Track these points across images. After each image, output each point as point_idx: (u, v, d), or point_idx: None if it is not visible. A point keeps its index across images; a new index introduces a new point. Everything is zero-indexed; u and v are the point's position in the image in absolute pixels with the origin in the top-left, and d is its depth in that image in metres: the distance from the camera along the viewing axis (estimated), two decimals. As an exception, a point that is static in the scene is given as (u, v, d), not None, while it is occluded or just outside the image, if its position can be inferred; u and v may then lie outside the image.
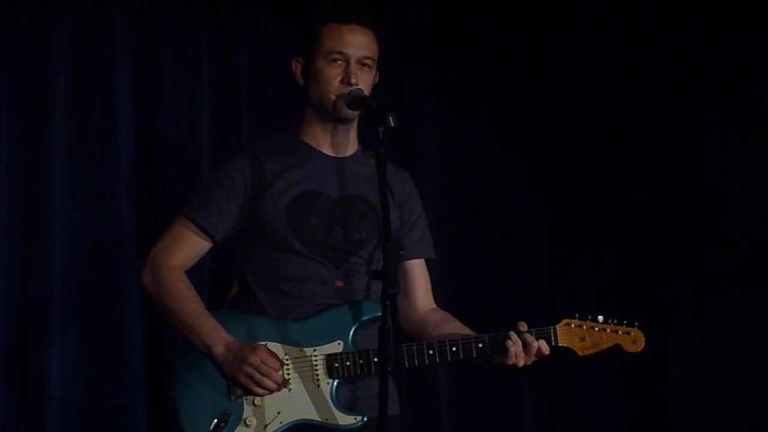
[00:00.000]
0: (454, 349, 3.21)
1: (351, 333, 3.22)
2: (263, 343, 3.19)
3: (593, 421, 4.77)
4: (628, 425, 4.75)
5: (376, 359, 3.14)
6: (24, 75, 3.98)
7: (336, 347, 3.20)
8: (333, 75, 3.26)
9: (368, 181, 3.28)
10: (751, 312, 4.53)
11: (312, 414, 3.17)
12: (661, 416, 4.70)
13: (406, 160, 4.34)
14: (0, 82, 3.92)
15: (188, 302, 3.23)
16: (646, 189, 4.73)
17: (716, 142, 4.62)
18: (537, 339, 3.20)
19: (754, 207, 4.54)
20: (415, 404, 4.49)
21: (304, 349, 3.20)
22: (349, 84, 3.24)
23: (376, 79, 3.36)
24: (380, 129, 3.04)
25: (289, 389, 3.18)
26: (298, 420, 3.17)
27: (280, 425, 3.16)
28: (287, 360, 3.19)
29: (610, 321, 3.28)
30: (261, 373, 3.13)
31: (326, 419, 3.17)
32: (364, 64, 3.28)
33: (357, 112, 3.28)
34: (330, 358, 3.18)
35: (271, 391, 3.16)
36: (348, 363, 3.18)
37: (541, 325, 3.26)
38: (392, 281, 2.94)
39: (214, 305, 3.32)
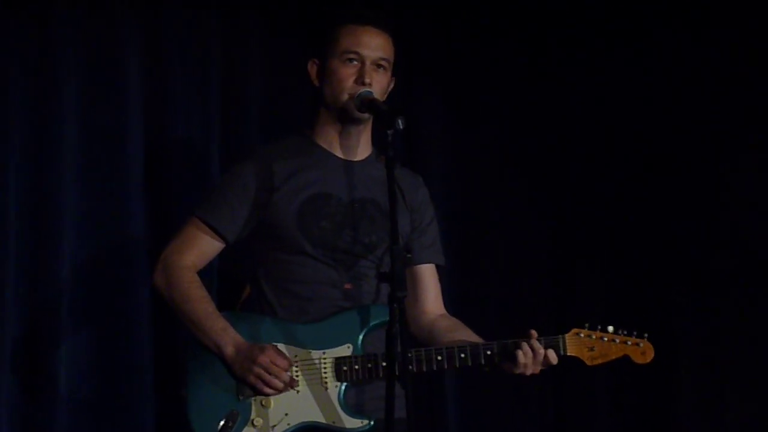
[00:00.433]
0: (462, 355, 3.21)
1: (361, 337, 3.22)
2: (273, 344, 3.20)
3: (600, 427, 4.78)
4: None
5: (384, 363, 3.13)
6: (33, 77, 3.97)
7: (345, 351, 3.20)
8: (347, 74, 3.28)
9: (379, 185, 3.28)
10: (758, 316, 4.53)
11: (319, 416, 3.18)
12: (667, 422, 4.71)
13: (412, 165, 4.34)
14: (10, 84, 3.92)
15: (199, 302, 3.24)
16: (652, 193, 4.73)
17: (723, 144, 4.62)
18: (546, 348, 3.20)
19: (760, 210, 4.54)
20: (421, 408, 4.50)
21: (313, 351, 3.21)
22: (363, 84, 3.25)
23: (392, 86, 3.38)
24: (389, 132, 3.06)
25: (297, 391, 3.18)
26: (305, 422, 3.18)
27: (287, 427, 3.17)
28: (296, 362, 3.20)
29: (619, 332, 3.27)
30: (270, 373, 3.14)
31: (333, 422, 3.18)
32: (379, 66, 3.30)
33: (368, 115, 3.29)
34: (339, 362, 3.19)
35: (280, 391, 3.17)
36: (356, 366, 3.19)
37: (547, 329, 3.26)
38: (400, 284, 2.95)
39: (222, 306, 3.34)
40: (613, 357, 3.28)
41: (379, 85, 3.29)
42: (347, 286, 3.28)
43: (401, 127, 3.05)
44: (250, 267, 3.37)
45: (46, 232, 3.94)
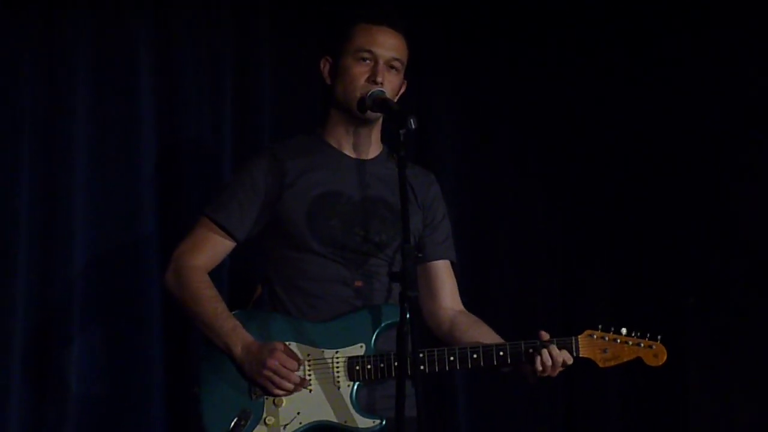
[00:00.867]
0: (474, 356, 3.20)
1: (374, 336, 3.22)
2: (285, 343, 3.20)
3: (611, 428, 4.78)
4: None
5: (396, 362, 3.13)
6: (45, 76, 3.98)
7: (358, 350, 3.20)
8: (360, 73, 3.27)
9: (390, 184, 3.27)
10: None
11: (331, 415, 3.18)
12: (677, 423, 4.71)
13: (424, 164, 4.34)
14: (22, 83, 3.93)
15: (209, 303, 3.24)
16: (663, 194, 4.74)
17: (735, 148, 4.62)
18: (559, 349, 3.19)
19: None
20: (432, 407, 4.50)
21: (326, 350, 3.21)
22: (375, 83, 3.25)
23: (404, 88, 3.37)
24: (401, 131, 3.05)
25: (310, 390, 3.19)
26: (317, 421, 3.18)
27: (299, 425, 3.17)
28: (308, 361, 3.20)
29: (632, 334, 3.26)
30: (279, 376, 3.15)
31: (345, 421, 3.18)
32: (392, 67, 3.29)
33: (379, 114, 3.29)
34: (351, 361, 3.19)
35: (290, 392, 3.17)
36: (369, 366, 3.19)
37: (557, 329, 3.26)
38: (411, 283, 2.93)
39: (234, 305, 3.34)
40: (626, 359, 3.26)
41: (390, 85, 3.28)
42: (358, 283, 3.28)
43: (413, 126, 3.04)
44: (262, 265, 3.37)
45: (57, 231, 3.95)
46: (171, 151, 4.13)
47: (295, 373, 3.16)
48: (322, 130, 3.40)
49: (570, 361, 3.20)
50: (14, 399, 3.83)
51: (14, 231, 3.88)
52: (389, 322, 3.21)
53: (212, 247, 3.32)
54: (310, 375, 3.19)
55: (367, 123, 3.34)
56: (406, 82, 3.38)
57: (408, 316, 2.91)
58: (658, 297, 4.68)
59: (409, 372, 2.93)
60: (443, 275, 3.46)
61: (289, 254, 3.30)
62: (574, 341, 3.23)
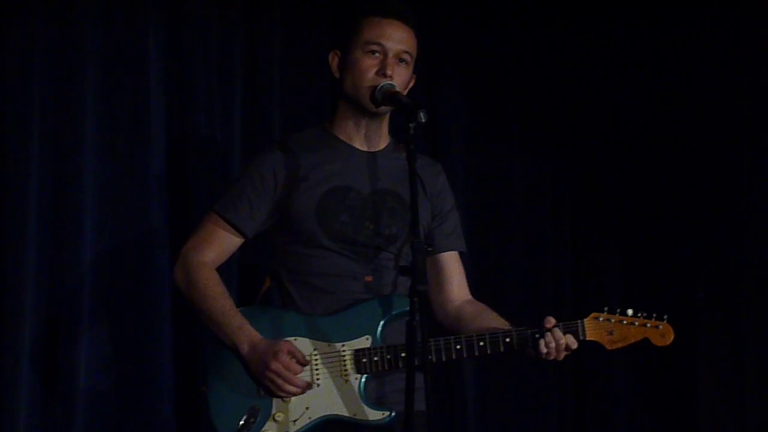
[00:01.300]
0: (481, 344, 3.20)
1: (380, 328, 3.21)
2: (292, 338, 3.19)
3: (620, 420, 4.77)
4: (654, 423, 4.74)
5: (404, 354, 3.13)
6: (55, 73, 4.00)
7: (364, 342, 3.19)
8: (369, 66, 3.26)
9: (399, 176, 3.26)
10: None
11: (340, 409, 3.17)
12: (688, 414, 4.69)
13: (434, 154, 4.35)
14: (31, 79, 3.95)
15: (217, 299, 3.23)
16: (674, 181, 4.74)
17: (749, 139, 4.60)
18: (565, 334, 3.18)
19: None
20: (441, 399, 4.50)
21: (333, 344, 3.20)
22: (384, 76, 3.23)
23: (413, 82, 3.36)
24: (411, 125, 3.03)
25: (318, 384, 3.18)
26: (327, 415, 3.17)
27: (308, 421, 3.16)
28: (316, 355, 3.19)
29: (638, 314, 3.25)
30: (282, 379, 3.14)
31: (354, 414, 3.17)
32: (401, 60, 3.28)
33: (387, 108, 3.28)
34: (358, 353, 3.18)
35: (293, 395, 3.16)
36: (376, 358, 3.18)
37: (567, 315, 3.25)
38: (421, 278, 2.92)
39: (243, 299, 3.33)
40: (633, 340, 3.26)
41: (400, 78, 3.27)
42: (368, 278, 3.27)
43: (423, 120, 3.02)
44: (271, 260, 3.36)
45: (66, 226, 3.96)
46: (181, 148, 4.14)
47: (300, 375, 3.15)
48: (331, 123, 3.39)
49: (574, 345, 3.19)
50: (23, 395, 3.84)
51: (24, 227, 3.89)
52: (395, 312, 3.21)
53: (220, 244, 3.31)
54: (317, 369, 3.18)
55: (376, 116, 3.33)
56: (415, 75, 3.36)
57: (418, 309, 2.90)
58: (669, 284, 4.68)
59: (417, 363, 2.91)
60: (452, 266, 3.44)
61: (298, 250, 3.29)
62: (580, 325, 3.22)
